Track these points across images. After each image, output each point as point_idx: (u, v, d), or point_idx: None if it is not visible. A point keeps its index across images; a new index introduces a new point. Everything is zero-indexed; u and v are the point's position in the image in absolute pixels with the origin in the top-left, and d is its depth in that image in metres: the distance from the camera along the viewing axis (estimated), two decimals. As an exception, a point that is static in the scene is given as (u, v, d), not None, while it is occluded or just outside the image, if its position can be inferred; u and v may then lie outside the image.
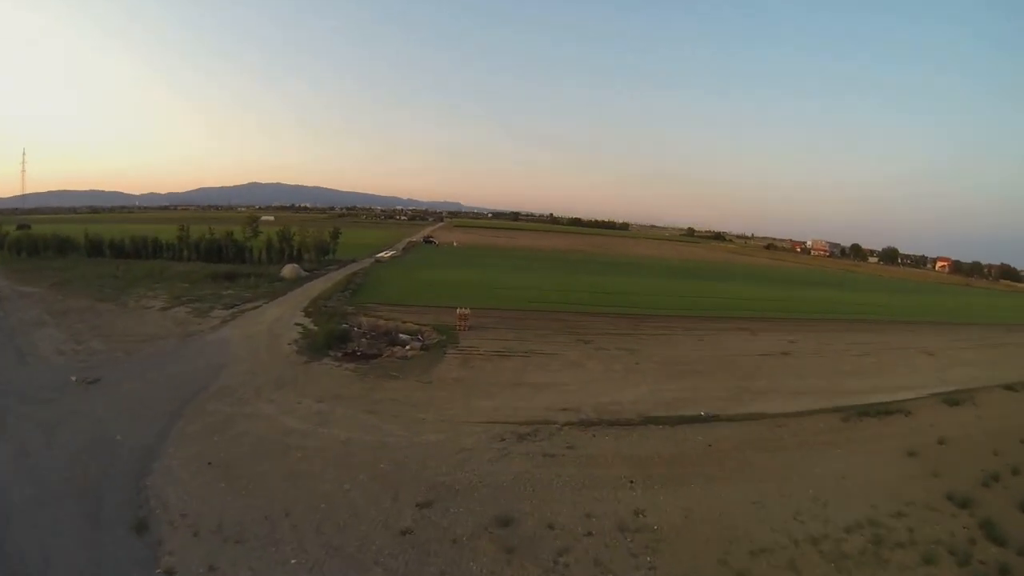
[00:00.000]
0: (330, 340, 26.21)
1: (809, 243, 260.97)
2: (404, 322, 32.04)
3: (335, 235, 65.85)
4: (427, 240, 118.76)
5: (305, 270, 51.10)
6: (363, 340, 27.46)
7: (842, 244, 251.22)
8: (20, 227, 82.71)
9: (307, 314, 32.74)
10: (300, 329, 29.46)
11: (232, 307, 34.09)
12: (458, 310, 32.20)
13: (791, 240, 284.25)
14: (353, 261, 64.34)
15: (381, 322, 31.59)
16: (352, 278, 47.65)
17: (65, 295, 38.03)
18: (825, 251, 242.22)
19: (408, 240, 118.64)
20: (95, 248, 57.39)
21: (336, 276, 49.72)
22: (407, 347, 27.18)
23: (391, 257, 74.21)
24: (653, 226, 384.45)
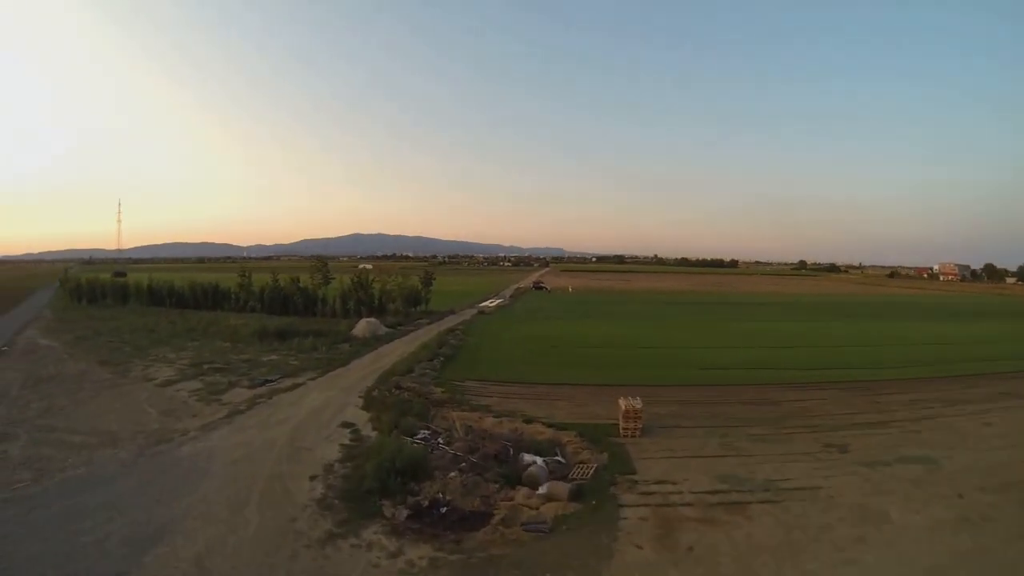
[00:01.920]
0: (388, 480, 12.89)
1: (936, 267, 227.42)
2: (527, 422, 18.43)
3: (427, 281, 54.56)
4: (537, 286, 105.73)
5: (388, 325, 39.54)
6: (454, 475, 13.88)
7: (971, 266, 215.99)
8: (116, 275, 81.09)
9: (367, 403, 19.89)
10: (347, 437, 16.55)
11: (262, 383, 22.24)
12: (622, 402, 18.15)
13: (911, 268, 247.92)
14: (451, 313, 53.01)
15: (486, 423, 18.06)
16: (446, 337, 35.01)
17: (74, 353, 29.20)
18: (955, 275, 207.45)
19: (516, 286, 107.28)
20: (156, 297, 50.55)
21: (425, 334, 37.53)
22: (540, 489, 13.38)
23: (497, 306, 62.16)
24: (757, 262, 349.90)
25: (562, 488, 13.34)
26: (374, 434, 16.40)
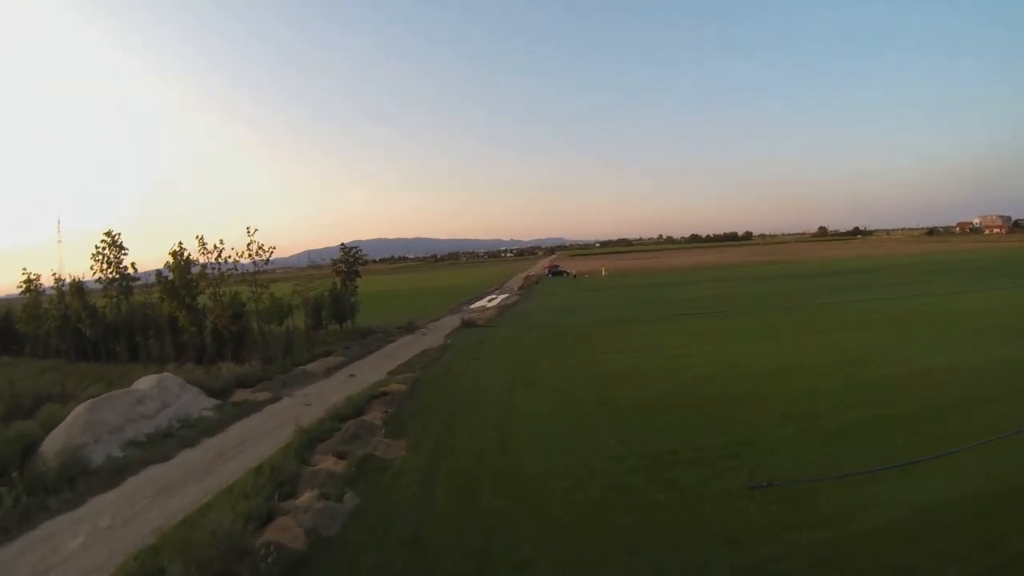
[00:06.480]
0: None
1: (977, 221, 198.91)
2: None
3: (350, 276, 31.14)
4: (554, 271, 78.83)
5: (222, 387, 16.13)
6: None
7: (1012, 217, 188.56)
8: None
9: None
10: None
11: None
12: None
13: (951, 226, 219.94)
14: (408, 331, 28.90)
15: None
16: (310, 450, 11.48)
17: None
18: (1002, 227, 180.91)
19: (524, 275, 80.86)
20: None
21: (275, 432, 13.88)
22: None
23: (501, 309, 37.61)
24: (763, 235, 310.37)
25: None
26: None
